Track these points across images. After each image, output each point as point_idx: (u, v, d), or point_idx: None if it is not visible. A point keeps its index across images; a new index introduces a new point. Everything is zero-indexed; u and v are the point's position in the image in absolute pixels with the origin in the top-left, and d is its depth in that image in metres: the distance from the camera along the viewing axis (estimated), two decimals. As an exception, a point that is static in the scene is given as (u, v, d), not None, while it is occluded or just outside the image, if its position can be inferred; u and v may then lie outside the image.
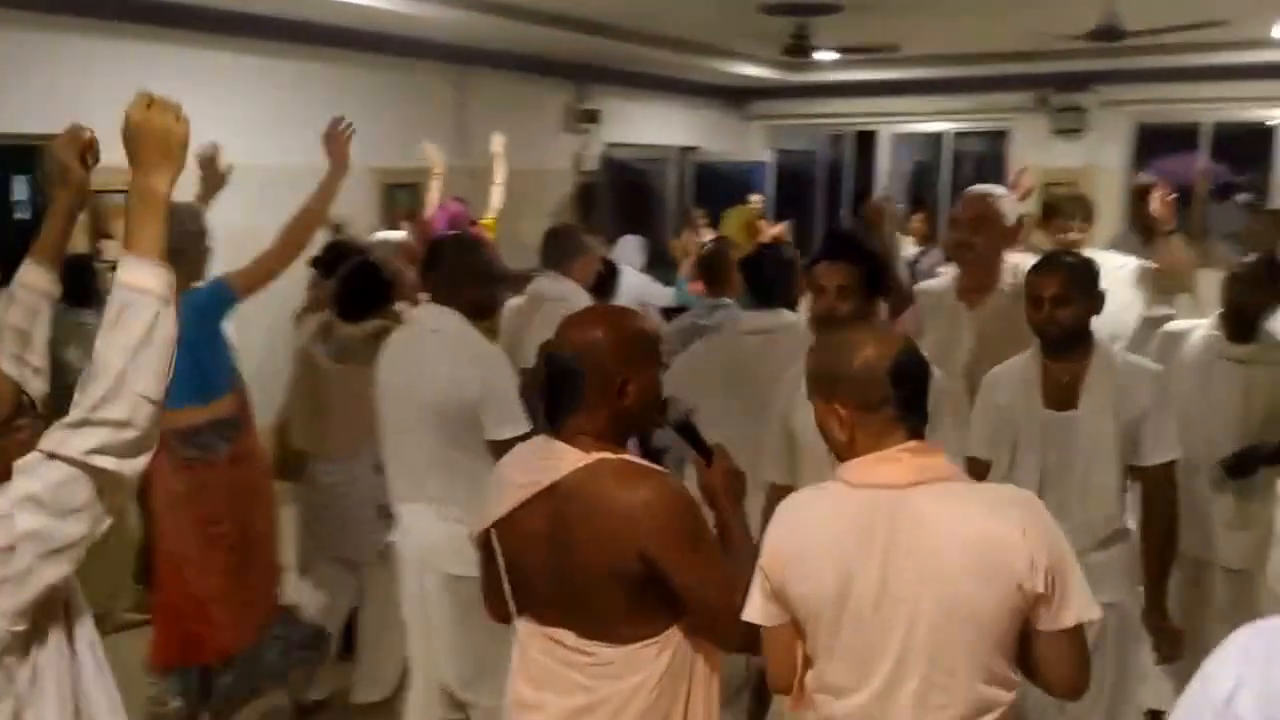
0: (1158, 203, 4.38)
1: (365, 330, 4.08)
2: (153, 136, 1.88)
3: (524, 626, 2.23)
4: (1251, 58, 9.81)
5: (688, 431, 2.29)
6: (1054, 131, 11.25)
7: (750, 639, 2.08)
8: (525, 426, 3.17)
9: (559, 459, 2.10)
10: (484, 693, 3.29)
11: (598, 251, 5.21)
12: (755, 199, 9.79)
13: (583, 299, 4.41)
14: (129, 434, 1.79)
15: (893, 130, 12.13)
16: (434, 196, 6.35)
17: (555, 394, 2.13)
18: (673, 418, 2.26)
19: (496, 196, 6.26)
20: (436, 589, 3.35)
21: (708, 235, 8.47)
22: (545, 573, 2.13)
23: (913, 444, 1.97)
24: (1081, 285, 3.06)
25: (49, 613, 1.88)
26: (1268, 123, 10.93)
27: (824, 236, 4.99)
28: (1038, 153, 11.28)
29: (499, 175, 6.32)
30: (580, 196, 9.70)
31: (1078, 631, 1.93)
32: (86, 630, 1.99)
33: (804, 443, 2.95)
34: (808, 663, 2.03)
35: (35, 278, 2.35)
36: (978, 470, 3.07)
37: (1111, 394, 3.05)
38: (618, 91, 10.26)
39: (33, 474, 1.77)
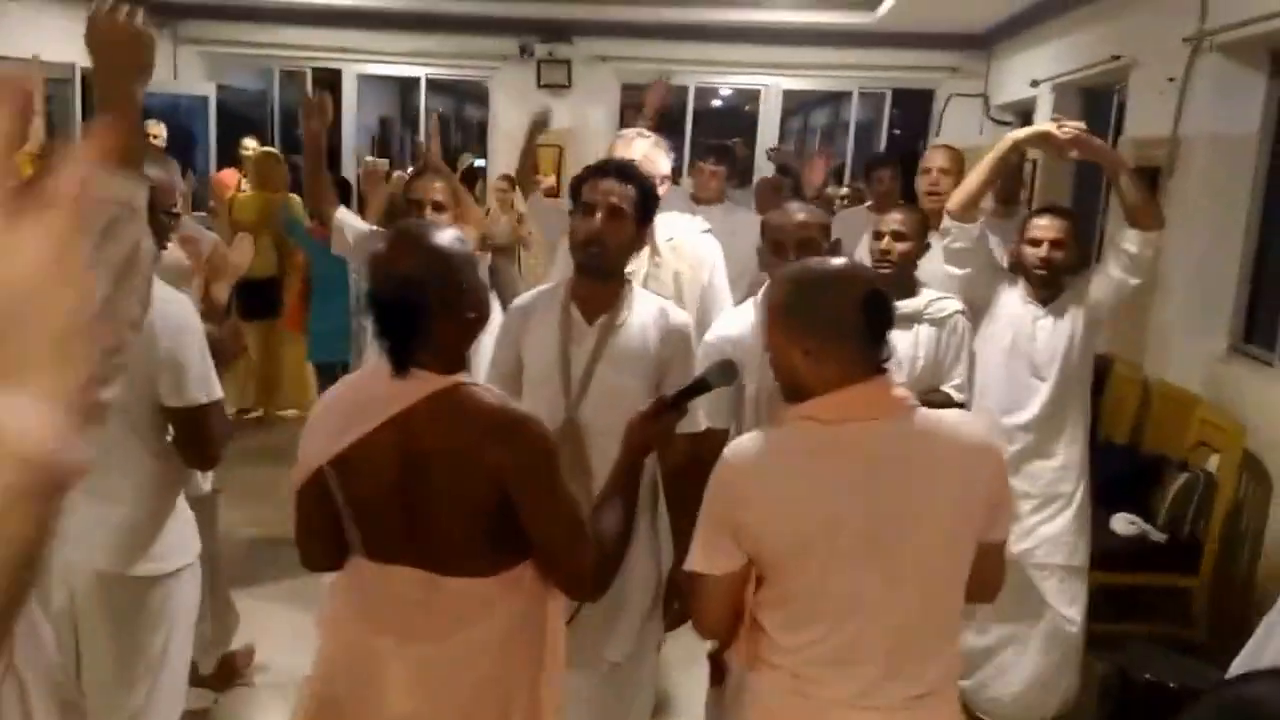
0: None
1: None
2: (124, 42, 1.85)
3: (369, 568, 2.10)
4: (743, 17, 9.22)
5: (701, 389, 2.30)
6: (540, 86, 10.12)
7: (593, 587, 2.16)
8: (218, 391, 2.75)
9: (409, 385, 1.98)
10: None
11: None
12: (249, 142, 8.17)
13: None
14: (117, 361, 1.71)
15: (358, 71, 10.34)
16: None
17: (393, 330, 1.99)
18: (718, 380, 2.29)
19: None
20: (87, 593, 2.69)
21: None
22: (395, 508, 2.02)
23: (881, 377, 1.99)
24: None
25: None
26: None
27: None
28: (520, 109, 10.15)
29: None
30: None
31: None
32: None
33: None
34: (755, 609, 2.04)
35: None
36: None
37: None
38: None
39: None
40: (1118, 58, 6.13)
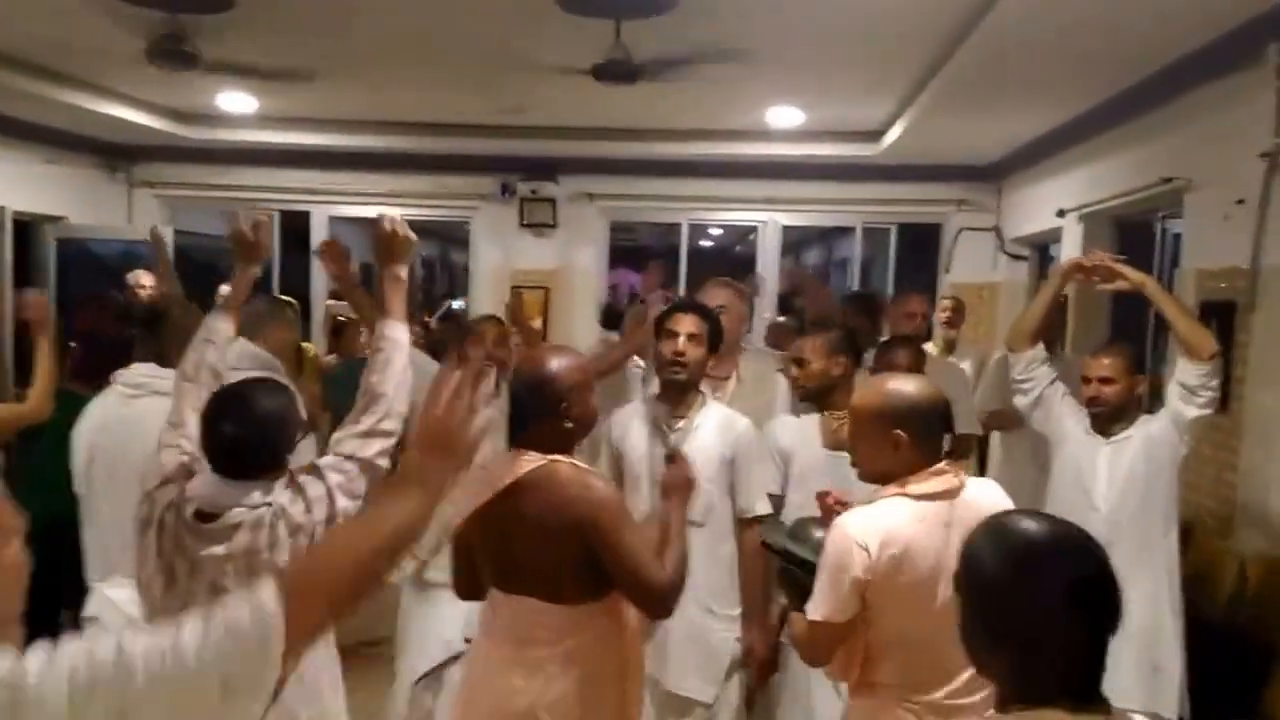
0: None
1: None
2: (399, 245, 2.83)
3: (499, 596, 2.80)
4: (739, 151, 8.63)
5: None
6: (523, 225, 9.47)
7: (661, 610, 2.74)
8: None
9: (520, 462, 2.70)
10: None
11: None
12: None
13: None
14: (393, 442, 2.67)
15: (329, 213, 9.67)
16: None
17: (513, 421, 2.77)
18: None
19: None
20: None
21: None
22: (513, 552, 2.71)
23: (946, 462, 2.66)
24: None
25: None
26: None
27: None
28: (503, 250, 9.51)
29: None
30: None
31: None
32: None
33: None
34: (867, 651, 2.63)
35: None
36: None
37: None
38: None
39: (338, 469, 2.62)
40: (1169, 180, 5.46)
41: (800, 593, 2.67)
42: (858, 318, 5.75)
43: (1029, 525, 1.68)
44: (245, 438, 2.58)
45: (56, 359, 4.31)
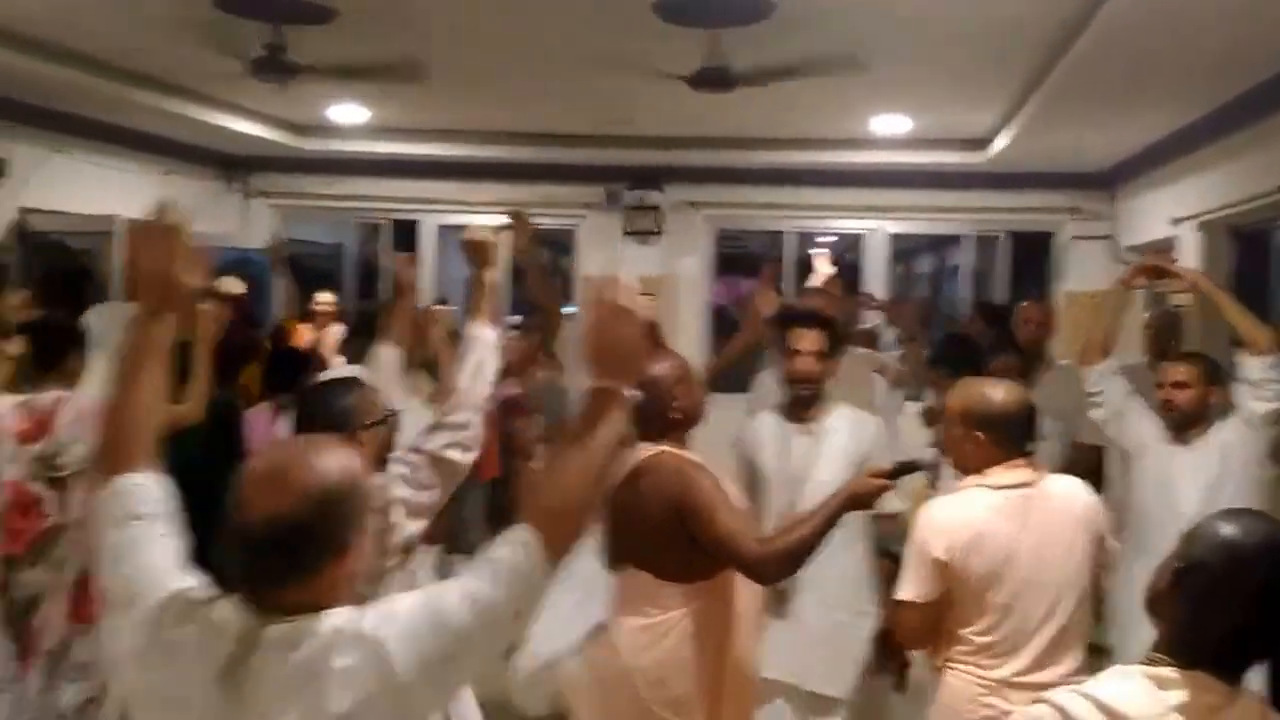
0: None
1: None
2: (488, 248, 3.06)
3: (616, 570, 3.07)
4: (845, 159, 8.55)
5: None
6: (627, 233, 9.52)
7: (761, 578, 2.94)
8: None
9: (635, 454, 2.99)
10: None
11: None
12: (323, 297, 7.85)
13: None
14: (467, 433, 2.81)
15: (438, 221, 9.85)
16: None
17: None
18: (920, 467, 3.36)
19: None
20: None
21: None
22: (631, 530, 3.00)
23: (1023, 458, 2.92)
24: None
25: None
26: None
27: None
28: (608, 257, 9.55)
29: None
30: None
31: None
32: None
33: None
34: (953, 628, 2.88)
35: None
36: None
37: None
38: (42, 138, 7.18)
39: (402, 461, 2.76)
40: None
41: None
42: (984, 326, 5.76)
43: (1256, 523, 1.90)
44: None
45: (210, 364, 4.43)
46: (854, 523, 3.64)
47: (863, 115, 7.43)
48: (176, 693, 1.62)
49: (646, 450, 3.00)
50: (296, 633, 1.58)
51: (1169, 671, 1.79)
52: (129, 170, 8.12)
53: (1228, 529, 1.86)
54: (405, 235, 9.81)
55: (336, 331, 7.43)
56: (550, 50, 5.79)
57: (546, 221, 10.09)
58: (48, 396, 3.90)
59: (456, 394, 2.86)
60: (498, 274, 3.12)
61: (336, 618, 1.60)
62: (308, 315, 8.00)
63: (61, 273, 7.39)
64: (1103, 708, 1.77)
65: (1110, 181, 8.76)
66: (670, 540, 2.91)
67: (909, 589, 2.86)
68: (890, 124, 7.64)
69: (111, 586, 1.73)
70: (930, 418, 5.31)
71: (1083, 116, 6.46)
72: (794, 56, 5.54)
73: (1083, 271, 8.95)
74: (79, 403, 3.85)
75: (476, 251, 3.06)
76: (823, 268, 7.72)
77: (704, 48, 5.35)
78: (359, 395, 2.84)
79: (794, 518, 3.05)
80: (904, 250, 13.21)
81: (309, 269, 9.46)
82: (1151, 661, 1.84)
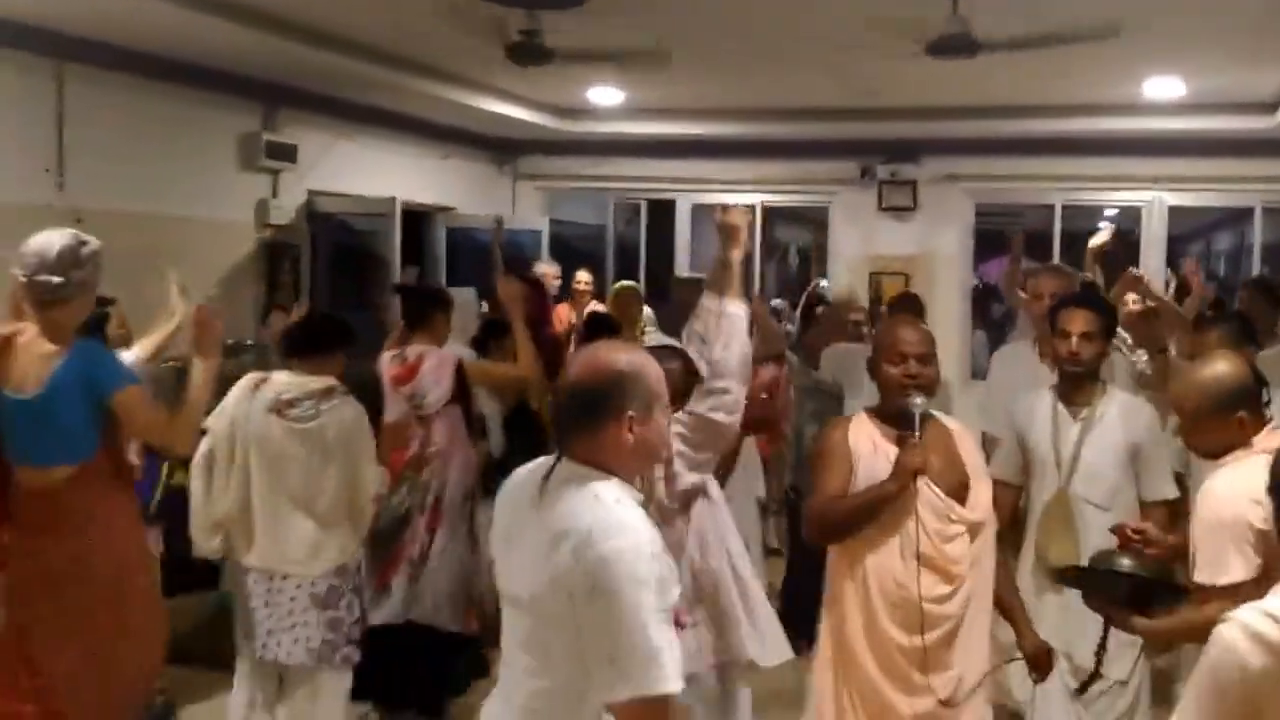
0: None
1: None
2: (739, 230, 3.28)
3: None
4: (1117, 126, 8.12)
5: None
6: (882, 209, 9.38)
7: (810, 532, 3.22)
8: None
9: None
10: None
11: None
12: (547, 269, 7.89)
13: None
14: (728, 398, 3.19)
15: (694, 200, 10.02)
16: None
17: None
18: None
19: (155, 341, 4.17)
20: None
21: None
22: None
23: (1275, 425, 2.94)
24: None
25: None
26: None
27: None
28: (861, 235, 9.46)
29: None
30: (268, 260, 7.34)
31: None
32: None
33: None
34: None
35: None
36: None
37: None
38: (326, 124, 7.81)
39: (679, 421, 3.10)
40: None
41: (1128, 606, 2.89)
42: (1257, 303, 5.42)
43: None
44: None
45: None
46: (1128, 508, 3.65)
47: (1132, 80, 7.04)
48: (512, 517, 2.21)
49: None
50: (573, 475, 2.06)
51: None
52: (407, 154, 8.71)
53: None
54: (662, 214, 10.02)
55: (595, 309, 7.71)
56: (790, 24, 5.80)
57: (801, 199, 10.13)
58: (414, 349, 4.67)
59: (714, 364, 3.19)
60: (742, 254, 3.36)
61: (603, 489, 2.03)
62: (568, 293, 8.34)
63: (347, 249, 8.05)
64: None
65: None
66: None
67: (1238, 569, 2.70)
68: (1163, 87, 7.20)
69: None
70: None
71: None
72: (1049, 20, 5.33)
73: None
74: (439, 356, 4.66)
75: (730, 233, 3.26)
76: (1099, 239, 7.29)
77: (943, 13, 5.23)
78: (684, 362, 3.25)
79: (857, 492, 3.12)
80: (1197, 227, 12.32)
81: (574, 250, 9.82)
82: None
